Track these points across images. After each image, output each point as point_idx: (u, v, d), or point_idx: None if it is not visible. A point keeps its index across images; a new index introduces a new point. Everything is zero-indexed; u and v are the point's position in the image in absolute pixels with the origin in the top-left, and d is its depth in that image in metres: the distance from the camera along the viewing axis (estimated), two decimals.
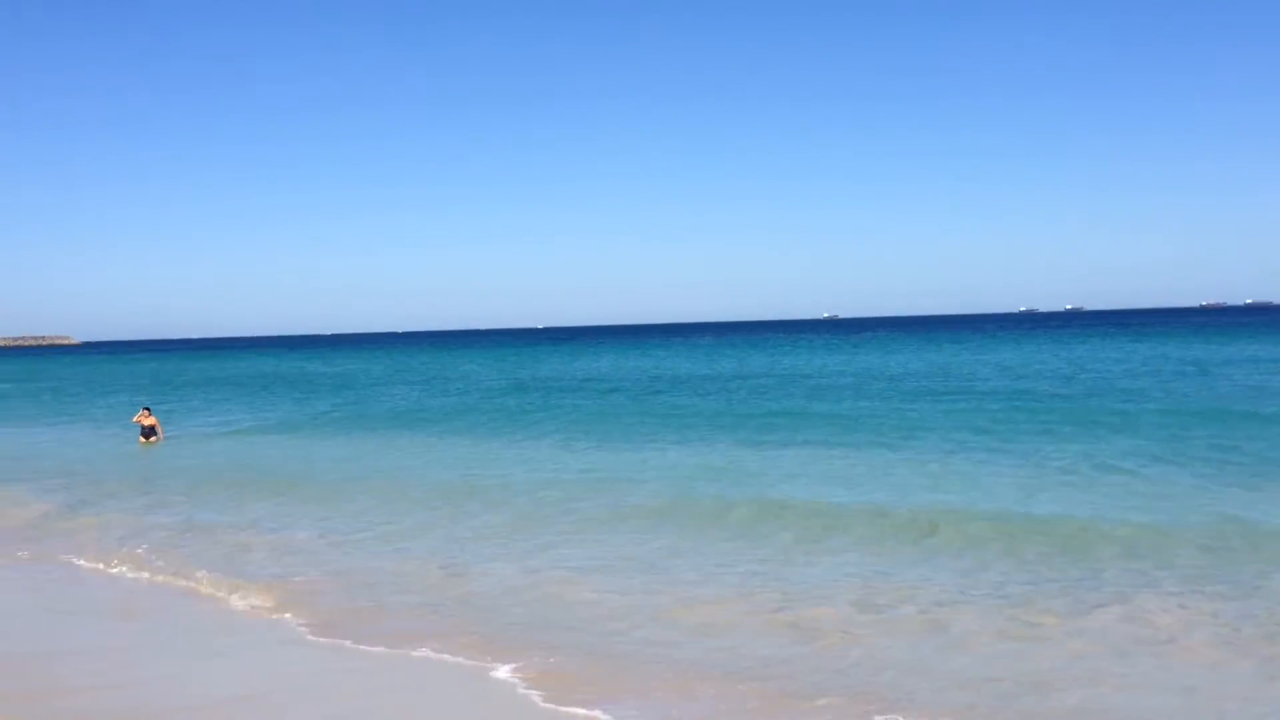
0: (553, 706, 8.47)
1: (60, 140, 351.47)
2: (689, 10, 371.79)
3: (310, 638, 10.73)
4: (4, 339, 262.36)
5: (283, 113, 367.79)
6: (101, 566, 14.35)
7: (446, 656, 9.81)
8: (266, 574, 13.46)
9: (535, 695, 8.73)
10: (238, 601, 12.22)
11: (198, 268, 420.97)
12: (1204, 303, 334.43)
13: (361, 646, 10.30)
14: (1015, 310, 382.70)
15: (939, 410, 31.02)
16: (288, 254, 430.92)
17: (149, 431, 30.65)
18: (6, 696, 8.86)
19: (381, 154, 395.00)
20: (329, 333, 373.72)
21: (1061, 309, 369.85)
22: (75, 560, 14.79)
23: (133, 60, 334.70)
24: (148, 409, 32.01)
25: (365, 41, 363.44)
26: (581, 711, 8.32)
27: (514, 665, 9.44)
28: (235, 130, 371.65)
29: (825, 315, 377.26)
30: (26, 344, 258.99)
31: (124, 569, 14.17)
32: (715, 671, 9.20)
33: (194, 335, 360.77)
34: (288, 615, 11.54)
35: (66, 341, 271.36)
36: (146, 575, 13.75)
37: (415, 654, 9.94)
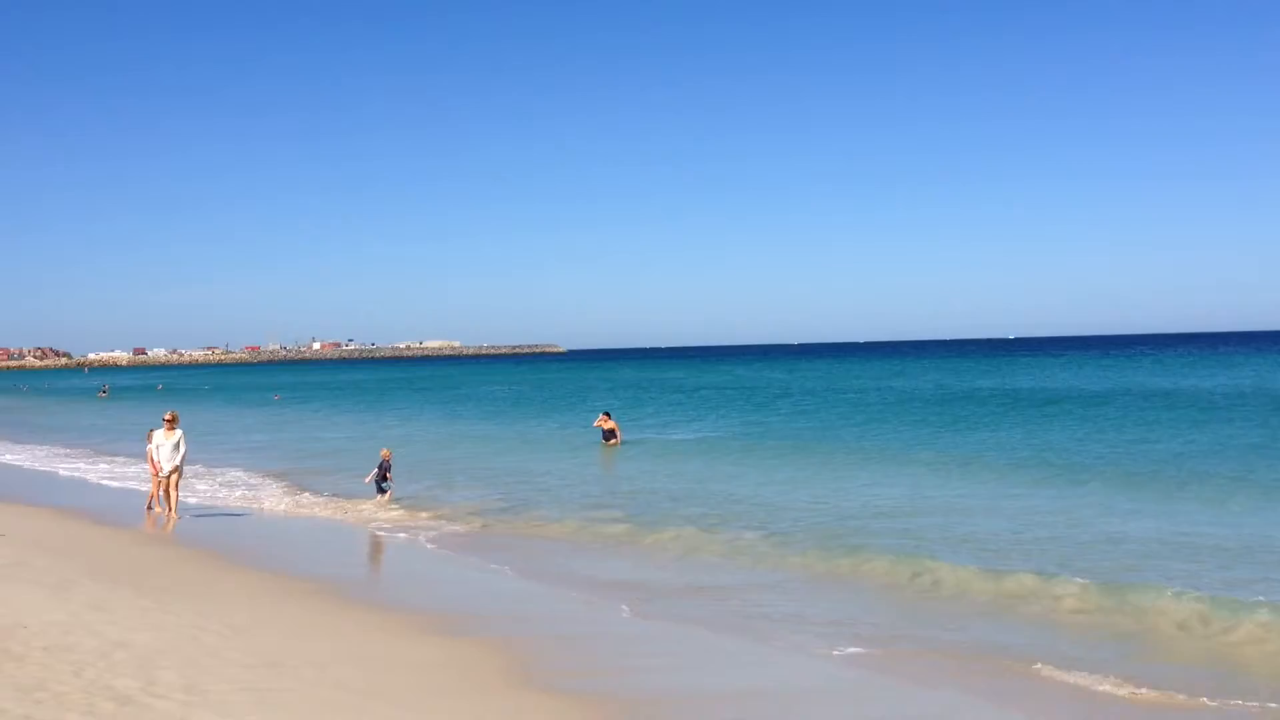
0: None
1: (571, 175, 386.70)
2: None
3: (779, 639, 10.95)
4: (504, 347, 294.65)
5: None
6: (537, 563, 15.38)
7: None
8: (716, 576, 14.01)
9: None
10: (693, 601, 12.71)
11: (659, 281, 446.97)
12: None
13: (834, 649, 10.45)
14: None
15: None
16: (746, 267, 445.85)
17: (609, 435, 32.72)
18: (555, 673, 9.65)
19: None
20: (795, 342, 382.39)
21: None
22: (515, 552, 16.16)
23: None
24: (607, 414, 34.33)
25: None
26: None
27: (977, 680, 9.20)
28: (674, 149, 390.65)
29: None
30: (521, 352, 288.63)
31: (563, 564, 15.24)
32: None
33: (662, 344, 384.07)
34: (736, 614, 11.81)
35: (554, 350, 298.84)
36: (593, 570, 14.71)
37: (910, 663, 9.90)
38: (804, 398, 57.15)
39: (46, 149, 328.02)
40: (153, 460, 19.70)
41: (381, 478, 21.23)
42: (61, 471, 28.17)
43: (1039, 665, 9.84)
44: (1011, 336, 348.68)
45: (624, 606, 12.54)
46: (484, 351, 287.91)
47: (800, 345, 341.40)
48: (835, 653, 10.41)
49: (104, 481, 25.40)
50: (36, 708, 7.90)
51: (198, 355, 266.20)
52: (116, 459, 31.10)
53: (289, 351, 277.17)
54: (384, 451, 21.83)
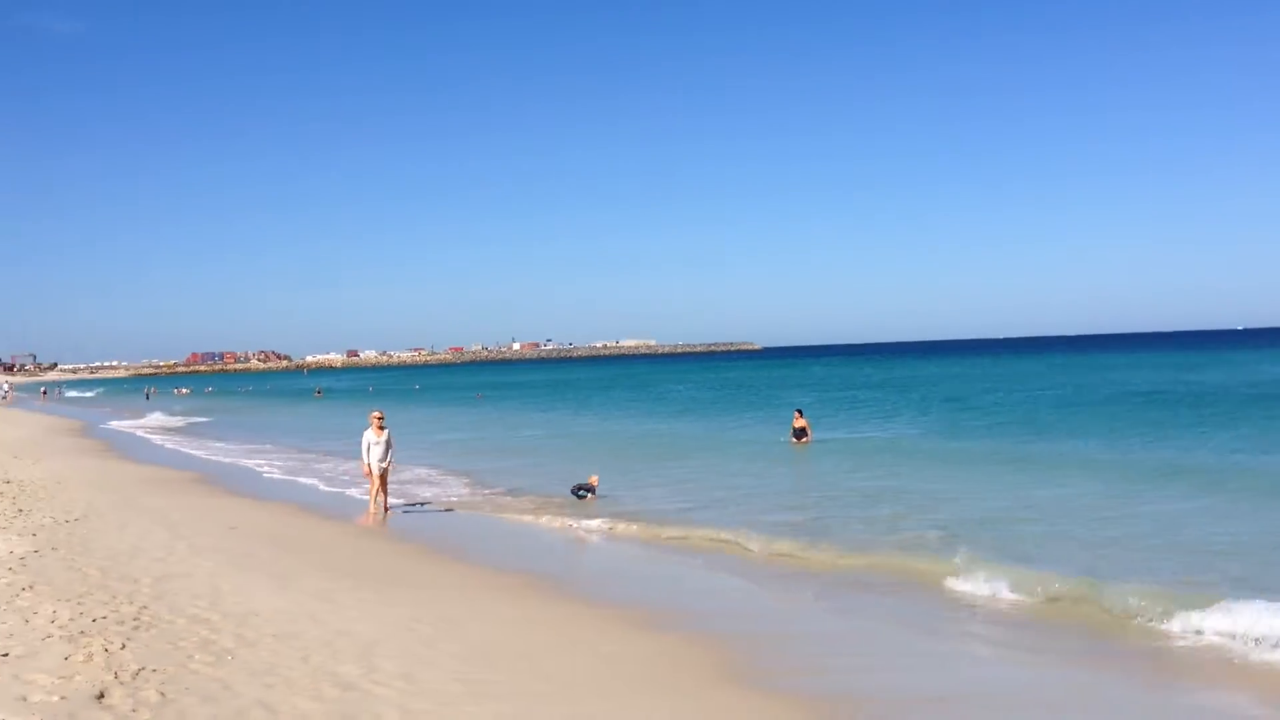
0: None
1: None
2: None
3: (980, 641, 10.84)
4: (699, 345, 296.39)
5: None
6: (731, 561, 15.53)
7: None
8: (907, 576, 13.82)
9: None
10: (891, 599, 12.61)
11: (851, 279, 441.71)
12: None
13: (1034, 654, 10.25)
14: None
15: None
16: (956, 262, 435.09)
17: (800, 433, 32.61)
18: (762, 671, 9.73)
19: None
20: (1000, 336, 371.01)
21: None
22: (709, 549, 16.35)
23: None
24: (799, 411, 34.25)
25: None
26: None
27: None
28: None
29: None
30: (716, 350, 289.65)
31: (756, 562, 15.32)
32: None
33: (857, 340, 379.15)
34: (931, 615, 11.66)
35: (749, 347, 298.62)
36: (787, 567, 14.75)
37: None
38: (1004, 394, 55.44)
39: (260, 175, 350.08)
40: (365, 459, 20.75)
41: (582, 489, 21.60)
42: (275, 470, 29.76)
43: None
44: (1240, 328, 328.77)
45: (821, 603, 12.56)
46: (679, 350, 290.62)
47: (1004, 339, 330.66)
48: (1037, 658, 10.19)
49: (312, 482, 26.66)
50: (267, 691, 8.53)
51: (405, 356, 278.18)
52: (327, 458, 32.59)
53: (490, 352, 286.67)
54: (592, 478, 22.10)
